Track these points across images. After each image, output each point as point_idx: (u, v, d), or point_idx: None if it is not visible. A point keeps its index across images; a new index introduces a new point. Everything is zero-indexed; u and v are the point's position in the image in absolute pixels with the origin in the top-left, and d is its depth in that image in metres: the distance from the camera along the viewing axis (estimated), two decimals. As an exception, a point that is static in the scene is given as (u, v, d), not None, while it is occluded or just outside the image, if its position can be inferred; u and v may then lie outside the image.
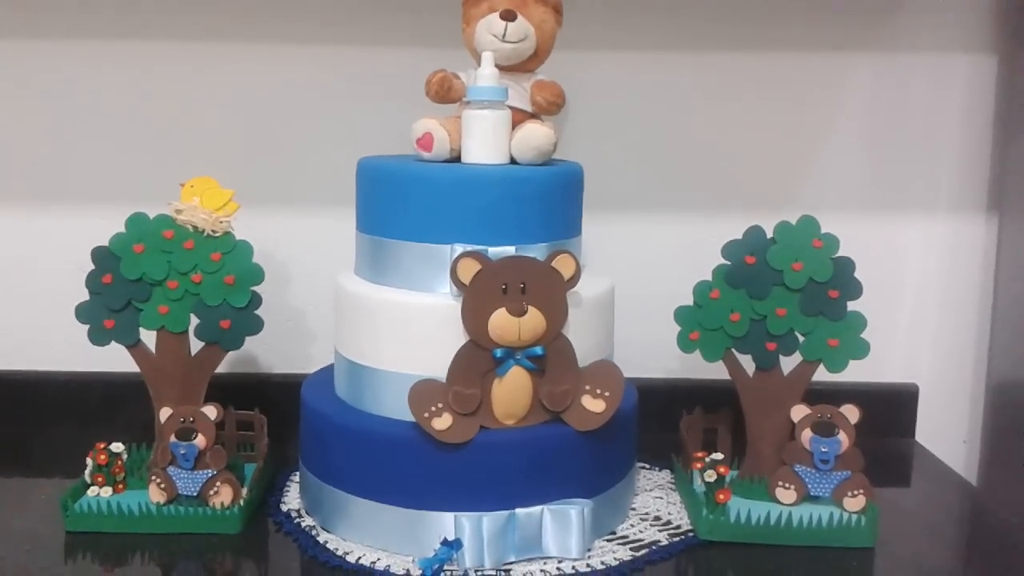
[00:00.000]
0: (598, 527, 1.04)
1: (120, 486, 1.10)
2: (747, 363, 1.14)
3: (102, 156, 1.33)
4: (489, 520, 0.97)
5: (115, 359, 1.13)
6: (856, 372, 1.13)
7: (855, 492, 1.09)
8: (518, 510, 0.99)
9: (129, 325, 1.11)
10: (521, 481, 0.99)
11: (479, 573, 0.97)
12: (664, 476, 1.23)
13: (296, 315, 1.37)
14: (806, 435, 1.10)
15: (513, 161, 1.06)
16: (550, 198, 1.04)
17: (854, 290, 1.11)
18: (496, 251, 1.00)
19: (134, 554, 1.01)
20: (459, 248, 0.99)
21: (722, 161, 1.36)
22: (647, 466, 1.25)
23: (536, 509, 0.99)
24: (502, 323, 0.98)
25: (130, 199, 1.16)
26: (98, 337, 1.11)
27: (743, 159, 1.36)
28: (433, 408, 0.97)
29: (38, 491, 1.13)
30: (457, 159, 1.07)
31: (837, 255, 1.11)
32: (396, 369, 1.01)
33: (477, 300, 0.98)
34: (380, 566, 0.98)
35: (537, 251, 1.02)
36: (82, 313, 1.11)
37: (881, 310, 1.33)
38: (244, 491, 1.08)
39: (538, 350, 0.99)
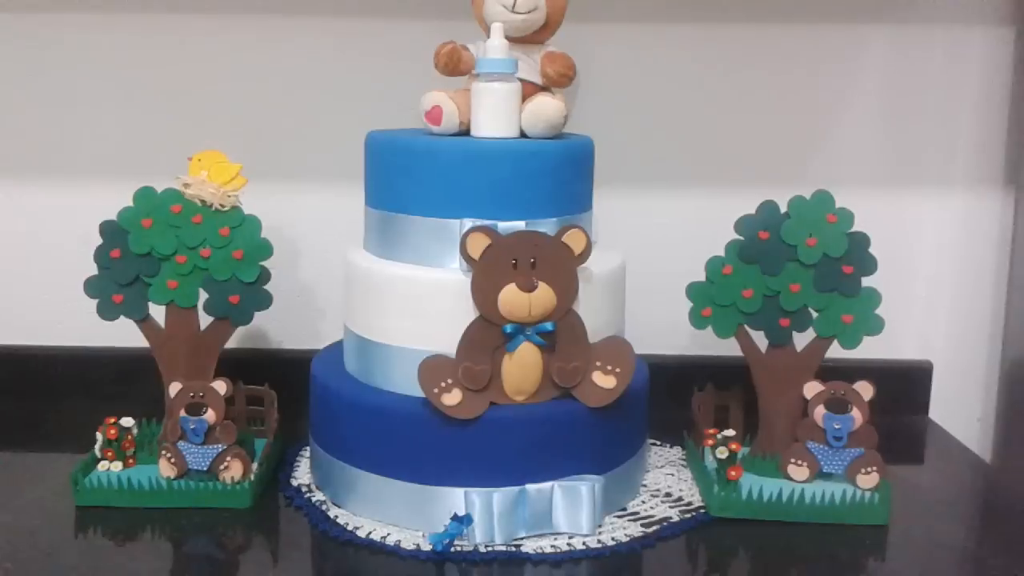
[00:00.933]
0: (609, 503, 1.04)
1: (130, 461, 1.10)
2: (760, 339, 1.13)
3: (110, 130, 1.32)
4: (499, 496, 0.97)
5: (127, 334, 1.13)
6: (870, 349, 1.12)
7: (868, 469, 1.08)
8: (528, 486, 0.98)
9: (138, 300, 1.11)
10: (531, 457, 0.99)
11: (489, 548, 0.96)
12: (675, 453, 1.22)
13: (306, 291, 1.36)
14: (819, 412, 1.09)
15: (523, 134, 1.04)
16: (560, 172, 1.03)
17: (869, 266, 1.10)
18: (506, 226, 0.99)
19: (144, 528, 1.01)
20: (468, 223, 0.98)
21: (735, 135, 1.34)
22: (658, 443, 1.24)
23: (546, 485, 0.99)
24: (512, 299, 0.97)
25: (139, 173, 1.15)
26: (107, 311, 1.11)
27: (757, 133, 1.34)
28: (443, 384, 0.97)
29: (50, 466, 1.13)
30: (466, 132, 1.06)
31: (852, 230, 1.10)
32: (406, 345, 1.01)
33: (487, 275, 0.97)
34: (390, 541, 0.97)
35: (547, 226, 1.00)
36: (91, 287, 1.10)
37: (896, 286, 1.32)
38: (254, 466, 1.08)
39: (548, 326, 0.98)
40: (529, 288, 0.97)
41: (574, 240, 0.99)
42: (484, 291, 0.97)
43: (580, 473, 1.00)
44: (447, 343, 0.98)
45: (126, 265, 1.10)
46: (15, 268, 1.36)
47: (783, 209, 1.10)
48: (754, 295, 1.11)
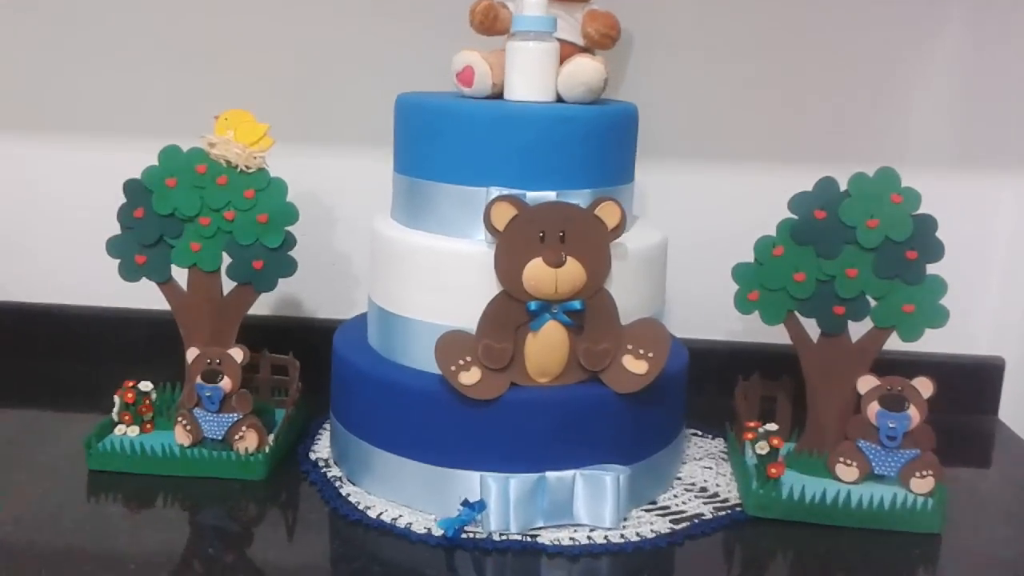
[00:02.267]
0: (636, 496, 0.97)
1: (148, 426, 1.08)
2: (811, 328, 1.05)
3: (138, 87, 1.29)
4: (517, 482, 0.92)
5: (156, 296, 1.11)
6: (937, 343, 1.04)
7: (924, 473, 1.00)
8: (548, 473, 0.93)
9: (161, 261, 1.08)
10: (553, 443, 0.93)
11: (504, 537, 0.91)
12: (717, 445, 1.15)
13: (341, 259, 1.32)
14: (873, 408, 1.01)
15: (560, 99, 0.98)
16: (596, 140, 0.96)
17: (935, 251, 1.01)
18: (535, 196, 0.93)
19: (156, 496, 0.99)
20: (495, 191, 0.92)
21: (793, 106, 1.24)
22: (700, 433, 1.17)
23: (568, 473, 0.93)
24: (538, 273, 0.91)
25: (167, 132, 1.11)
26: (129, 272, 1.08)
27: (818, 105, 1.24)
28: (461, 361, 0.92)
29: (70, 427, 1.12)
30: (500, 95, 0.99)
31: (918, 212, 1.00)
32: (426, 318, 0.96)
33: (512, 248, 0.91)
34: (401, 523, 0.93)
35: (580, 197, 0.94)
36: (113, 247, 1.08)
37: (967, 276, 1.23)
38: (270, 437, 1.05)
39: (576, 304, 0.92)
40: (556, 263, 0.91)
41: (607, 213, 0.92)
42: (508, 265, 0.91)
43: (605, 462, 0.94)
44: (469, 319, 0.93)
45: (149, 225, 1.07)
46: (44, 227, 1.34)
47: (843, 187, 1.02)
48: (807, 279, 1.03)
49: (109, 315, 1.33)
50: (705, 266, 1.18)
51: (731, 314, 1.07)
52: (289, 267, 1.08)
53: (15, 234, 1.35)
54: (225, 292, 1.09)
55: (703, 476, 1.07)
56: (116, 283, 1.09)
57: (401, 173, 1.02)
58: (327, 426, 1.14)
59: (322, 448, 1.09)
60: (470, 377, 0.92)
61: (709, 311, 1.24)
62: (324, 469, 1.04)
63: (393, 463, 0.96)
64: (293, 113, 1.24)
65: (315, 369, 1.13)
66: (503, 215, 0.91)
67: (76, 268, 1.33)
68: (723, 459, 1.11)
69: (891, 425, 1.00)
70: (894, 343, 1.03)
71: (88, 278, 1.31)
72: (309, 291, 1.33)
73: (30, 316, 1.35)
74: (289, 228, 1.08)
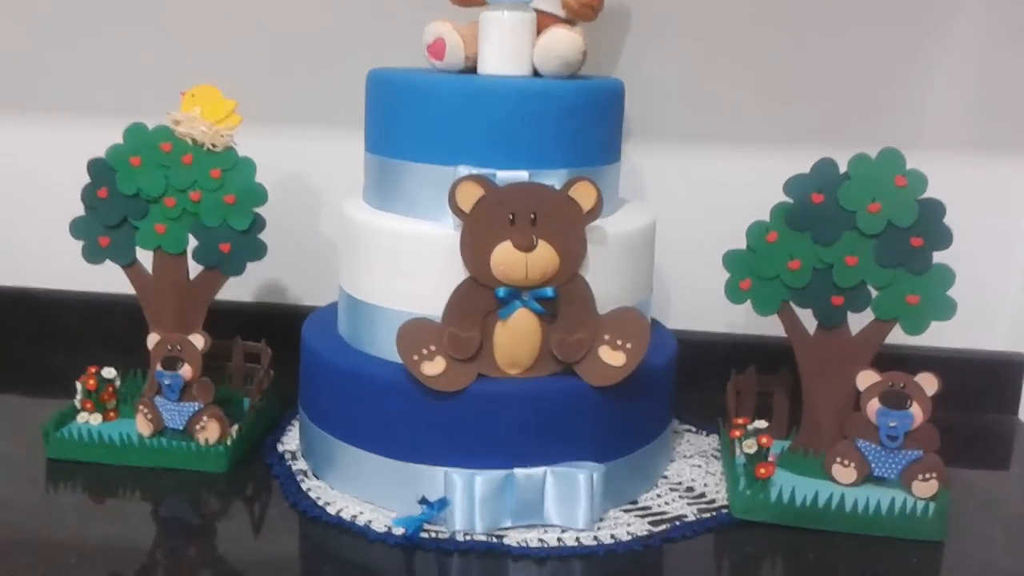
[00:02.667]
0: (615, 495, 0.92)
1: (112, 414, 1.05)
2: (808, 319, 0.98)
3: (105, 64, 1.24)
4: (483, 479, 0.86)
5: (124, 279, 1.07)
6: (953, 337, 0.96)
7: (926, 475, 0.93)
8: (517, 470, 0.87)
9: (125, 243, 1.04)
10: (522, 438, 0.87)
11: (468, 537, 0.86)
12: (711, 442, 1.09)
13: (328, 245, 1.26)
14: (873, 406, 0.94)
15: (536, 74, 0.92)
16: (573, 117, 0.90)
17: (942, 238, 0.93)
18: (506, 175, 0.87)
19: (114, 486, 0.95)
20: (463, 170, 0.87)
21: (791, 82, 1.16)
22: (693, 430, 1.11)
23: (538, 471, 0.87)
24: (507, 258, 0.85)
25: (133, 110, 1.07)
26: (93, 255, 1.04)
27: (817, 81, 1.16)
28: (425, 351, 0.86)
29: (33, 413, 1.08)
30: (473, 69, 0.94)
31: (923, 196, 0.93)
32: (391, 305, 0.91)
33: (479, 231, 0.86)
34: (361, 521, 0.88)
35: (555, 177, 0.88)
36: (77, 229, 1.04)
37: (983, 267, 1.15)
38: (234, 428, 1.00)
39: (548, 291, 0.86)
40: (527, 246, 0.85)
41: (582, 194, 0.86)
42: (475, 248, 0.86)
43: (579, 459, 0.88)
44: (436, 306, 0.87)
45: (113, 206, 1.03)
46: (12, 208, 1.31)
47: (843, 169, 0.95)
48: (802, 267, 0.96)
49: (84, 299, 1.29)
50: (705, 253, 1.11)
51: (733, 305, 1.00)
52: (258, 250, 1.04)
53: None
54: (192, 276, 1.05)
55: (691, 475, 1.01)
56: (88, 266, 1.05)
57: (372, 152, 0.97)
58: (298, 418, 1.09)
59: (291, 440, 1.05)
60: (434, 367, 0.86)
61: (709, 302, 1.16)
62: (290, 462, 1.00)
63: (356, 457, 0.91)
64: (269, 93, 1.20)
65: (290, 358, 1.07)
66: (469, 196, 0.85)
67: (48, 251, 1.29)
68: (715, 457, 1.05)
69: (892, 424, 0.93)
70: (906, 338, 0.96)
71: (59, 261, 1.27)
72: (293, 278, 1.29)
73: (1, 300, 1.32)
74: (258, 210, 1.03)
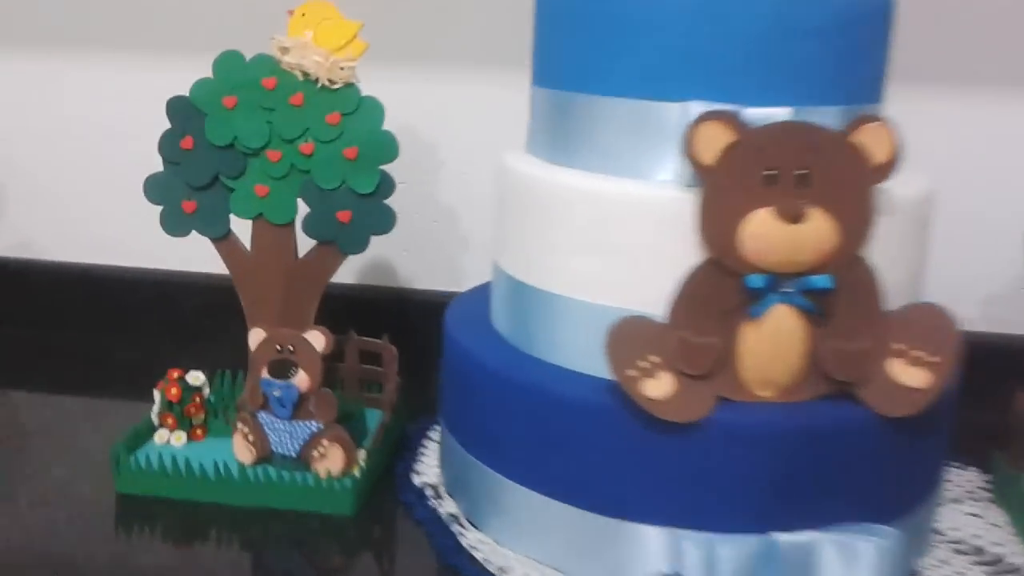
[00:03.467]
0: (891, 566, 0.66)
1: (199, 432, 0.82)
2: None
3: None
4: (729, 547, 0.62)
5: (214, 254, 0.85)
6: None
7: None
8: (778, 535, 0.62)
9: (216, 210, 0.82)
10: (783, 490, 0.62)
11: (706, 628, 0.61)
12: (974, 478, 0.83)
13: (447, 213, 1.05)
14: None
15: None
16: (852, 32, 0.64)
17: None
18: (758, 113, 0.62)
19: (201, 534, 0.72)
20: (697, 107, 0.62)
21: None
22: (954, 464, 0.85)
23: (805, 536, 0.62)
24: (766, 232, 0.60)
25: (226, 37, 0.84)
26: (174, 224, 0.82)
27: None
28: (644, 364, 0.62)
29: (101, 420, 0.88)
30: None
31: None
32: (584, 297, 0.66)
33: (726, 193, 0.61)
34: (550, 598, 0.64)
35: (827, 116, 0.62)
36: (153, 190, 0.82)
37: None
38: (362, 454, 0.76)
39: (822, 280, 0.61)
40: (794, 217, 0.60)
41: (875, 139, 0.60)
42: (719, 218, 0.61)
43: (859, 520, 0.63)
44: (653, 300, 0.63)
45: (201, 160, 0.81)
46: (73, 166, 1.10)
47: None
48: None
49: (157, 279, 1.09)
50: (982, 232, 0.86)
51: (1003, 297, 0.74)
52: (386, 220, 0.81)
53: (39, 174, 1.11)
54: (301, 253, 0.83)
55: (968, 527, 0.75)
56: (167, 239, 0.84)
57: (545, 87, 0.72)
58: (432, 436, 0.86)
59: (428, 469, 0.81)
60: (658, 387, 0.61)
61: (969, 294, 0.94)
62: (434, 501, 0.76)
63: (535, 505, 0.67)
64: (388, 22, 0.95)
65: (414, 356, 0.86)
66: (714, 142, 0.60)
67: (115, 219, 1.09)
68: (988, 500, 0.79)
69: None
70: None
71: (131, 233, 1.05)
72: (404, 255, 1.08)
73: (61, 278, 1.11)
74: (385, 168, 0.79)
